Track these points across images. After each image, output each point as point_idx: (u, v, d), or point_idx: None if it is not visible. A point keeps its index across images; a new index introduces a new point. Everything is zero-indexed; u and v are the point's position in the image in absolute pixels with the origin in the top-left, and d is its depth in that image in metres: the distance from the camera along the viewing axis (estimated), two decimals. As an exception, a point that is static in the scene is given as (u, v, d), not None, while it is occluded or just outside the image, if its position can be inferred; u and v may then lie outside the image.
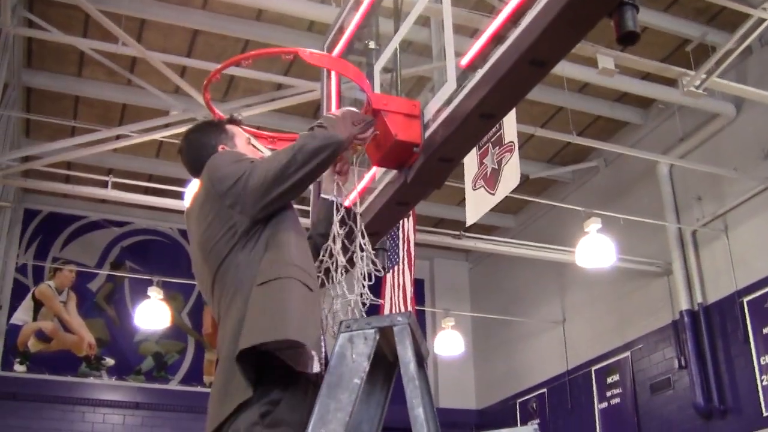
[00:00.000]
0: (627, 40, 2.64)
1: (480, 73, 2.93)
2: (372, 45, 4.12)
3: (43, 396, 11.59)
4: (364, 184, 3.80)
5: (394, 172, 3.47)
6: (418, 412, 2.69)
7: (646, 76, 9.42)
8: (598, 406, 11.05)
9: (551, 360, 12.21)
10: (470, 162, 7.34)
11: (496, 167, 6.99)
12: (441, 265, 14.41)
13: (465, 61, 3.13)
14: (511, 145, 6.89)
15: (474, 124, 3.01)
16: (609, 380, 10.95)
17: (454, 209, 12.49)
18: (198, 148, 3.36)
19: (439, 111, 3.23)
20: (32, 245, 12.38)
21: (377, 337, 2.81)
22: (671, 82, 9.12)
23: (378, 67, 3.85)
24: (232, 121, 3.48)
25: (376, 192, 3.61)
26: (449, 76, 3.20)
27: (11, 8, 8.26)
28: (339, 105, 4.40)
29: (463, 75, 3.13)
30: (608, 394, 10.94)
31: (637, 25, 2.63)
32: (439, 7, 3.40)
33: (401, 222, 9.20)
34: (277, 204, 3.02)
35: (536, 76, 2.82)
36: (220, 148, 3.31)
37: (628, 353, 10.74)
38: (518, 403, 12.70)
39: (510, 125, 6.92)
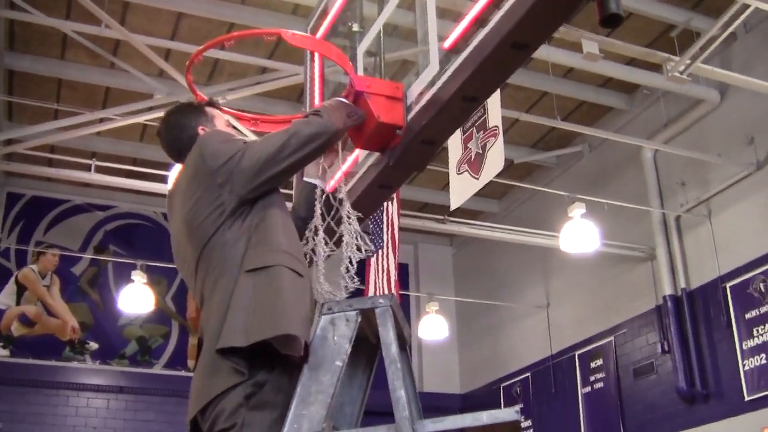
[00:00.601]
0: (610, 22, 2.63)
1: (462, 55, 2.92)
2: (356, 28, 4.10)
3: (27, 380, 11.55)
4: (346, 167, 3.80)
5: (376, 154, 3.46)
6: (399, 394, 2.70)
7: (631, 62, 9.42)
8: (582, 391, 11.10)
9: (535, 344, 12.24)
10: (454, 146, 7.34)
11: (481, 152, 6.98)
12: (425, 250, 14.41)
13: (448, 43, 3.12)
14: (496, 130, 6.88)
15: (457, 106, 3.00)
16: (592, 365, 11.00)
17: (439, 194, 12.49)
18: (178, 129, 3.35)
19: (422, 93, 3.22)
20: (15, 229, 12.32)
21: (359, 320, 2.81)
22: (656, 68, 9.12)
23: (361, 49, 3.84)
24: (211, 103, 3.47)
25: (358, 175, 3.60)
26: (432, 58, 3.19)
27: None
28: (323, 89, 4.39)
29: (446, 58, 3.12)
30: (592, 378, 10.98)
31: (621, 7, 2.62)
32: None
33: (385, 206, 9.20)
34: (267, 186, 3.01)
35: (518, 59, 2.81)
36: (199, 130, 3.30)
37: (611, 338, 10.78)
38: (502, 388, 12.74)
39: (494, 110, 6.92)
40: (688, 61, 8.15)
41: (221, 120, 3.40)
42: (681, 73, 8.19)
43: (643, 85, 10.14)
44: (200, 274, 3.01)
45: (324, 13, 4.49)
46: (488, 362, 13.27)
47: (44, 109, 10.43)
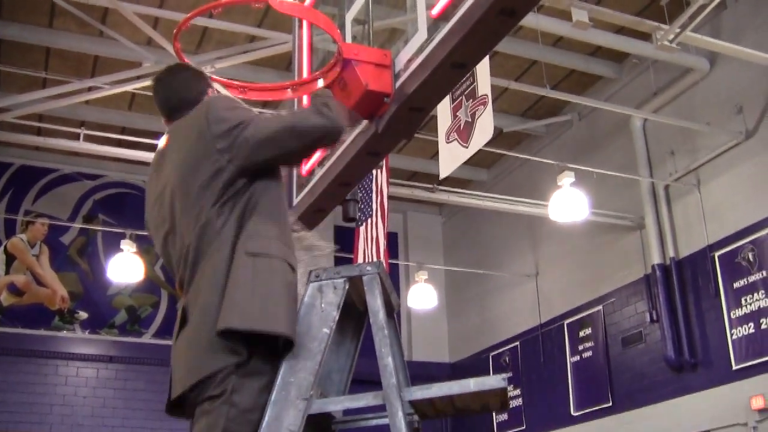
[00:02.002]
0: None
1: (451, 22, 2.91)
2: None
3: (16, 350, 11.56)
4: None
5: (364, 122, 3.46)
6: (387, 361, 2.71)
7: (621, 30, 9.38)
8: (570, 360, 11.16)
9: (524, 313, 12.29)
10: (444, 115, 7.32)
11: (470, 120, 6.97)
12: (414, 219, 14.42)
13: (436, 11, 3.11)
14: (485, 98, 6.86)
15: (445, 73, 3.00)
16: (581, 334, 11.06)
17: (428, 162, 12.49)
18: (184, 86, 3.25)
19: (410, 61, 3.21)
20: (3, 198, 12.27)
21: (347, 287, 2.82)
22: (645, 37, 9.10)
23: (350, 16, 3.82)
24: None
25: (347, 143, 3.59)
26: (420, 25, 3.18)
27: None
28: (311, 56, 4.36)
29: (435, 25, 3.11)
30: (580, 347, 11.05)
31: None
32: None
33: (374, 175, 9.19)
34: (268, 163, 2.95)
35: (506, 25, 2.80)
36: (209, 91, 3.26)
37: (600, 307, 10.84)
38: (491, 357, 12.81)
39: (484, 78, 6.89)
40: (678, 30, 8.14)
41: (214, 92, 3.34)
42: (670, 41, 8.18)
43: (632, 53, 10.12)
44: (187, 238, 2.93)
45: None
46: (477, 331, 13.32)
47: (32, 77, 10.37)
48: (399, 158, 12.26)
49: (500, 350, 12.67)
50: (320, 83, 3.43)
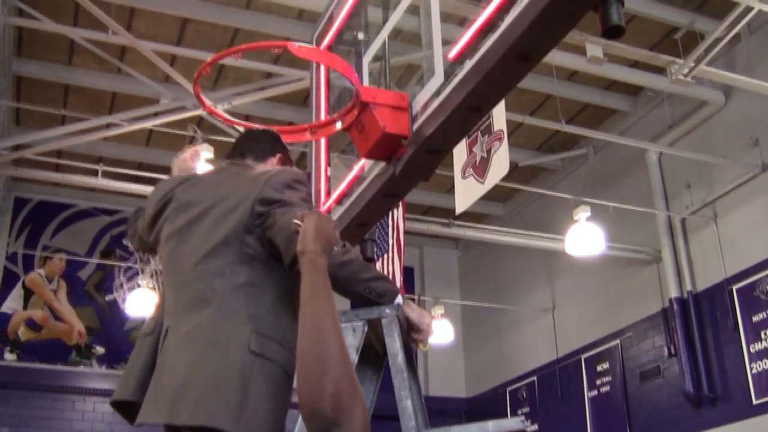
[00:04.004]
0: (612, 33, 2.64)
1: (467, 66, 2.94)
2: (361, 36, 4.12)
3: (34, 384, 11.59)
4: (353, 175, 3.82)
5: (382, 164, 3.48)
6: (406, 404, 2.71)
7: (635, 64, 9.43)
8: (588, 394, 11.10)
9: (541, 348, 12.24)
10: (459, 150, 7.34)
11: (486, 156, 6.98)
12: (430, 253, 14.43)
13: (452, 54, 3.14)
14: (501, 134, 6.88)
15: (461, 117, 3.02)
16: (599, 368, 11.00)
17: (444, 197, 12.50)
18: (259, 139, 3.28)
19: (427, 103, 3.24)
20: (22, 234, 12.37)
21: (365, 329, 2.83)
22: (660, 70, 9.12)
23: (367, 59, 3.86)
24: None
25: (364, 184, 3.61)
26: (437, 68, 3.21)
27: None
28: (328, 94, 4.41)
29: (451, 67, 3.14)
30: (598, 382, 10.98)
31: (622, 18, 2.63)
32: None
33: (390, 210, 9.21)
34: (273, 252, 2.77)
35: (522, 70, 2.82)
36: (278, 155, 3.25)
37: (617, 341, 10.78)
38: (508, 391, 12.74)
39: (499, 114, 6.91)
40: (692, 64, 8.15)
41: None
42: (685, 75, 8.19)
43: (647, 87, 10.14)
44: (192, 264, 2.81)
45: (330, 20, 4.51)
46: (494, 366, 13.27)
47: (51, 114, 10.47)
48: (415, 193, 12.19)
49: (517, 385, 12.61)
50: (338, 125, 3.47)
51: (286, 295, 2.75)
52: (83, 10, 8.39)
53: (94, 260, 12.53)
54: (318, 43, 4.56)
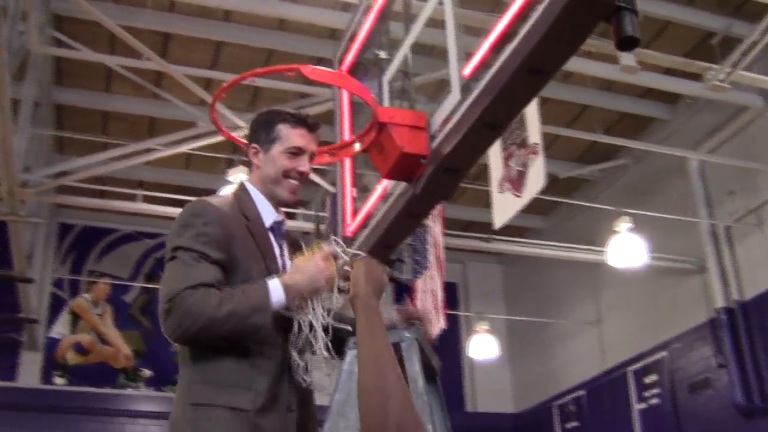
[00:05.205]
0: (626, 44, 2.59)
1: (481, 84, 2.91)
2: (382, 55, 4.10)
3: (83, 408, 11.70)
4: (377, 195, 3.80)
5: (403, 184, 3.46)
6: (426, 429, 2.67)
7: (671, 71, 9.30)
8: (637, 407, 10.93)
9: (587, 361, 12.12)
10: (495, 165, 7.32)
11: (522, 170, 6.95)
12: (474, 269, 14.36)
13: (467, 70, 3.11)
14: (536, 147, 6.84)
15: (478, 134, 2.98)
16: (646, 380, 10.83)
17: (485, 211, 12.40)
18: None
19: (445, 121, 3.21)
20: (68, 259, 12.52)
21: (385, 354, 2.79)
22: (697, 77, 9.00)
23: (387, 77, 3.84)
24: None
25: (387, 204, 3.59)
26: (453, 86, 3.18)
27: (39, 28, 8.35)
28: (352, 113, 4.40)
29: (467, 84, 3.10)
30: (646, 394, 10.82)
31: (637, 29, 2.58)
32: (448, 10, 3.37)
33: (429, 226, 9.17)
34: None
35: (537, 84, 2.78)
36: (251, 149, 3.31)
37: (665, 353, 10.61)
38: (556, 406, 12.61)
39: (533, 127, 6.87)
40: (729, 69, 8.02)
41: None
42: (722, 81, 8.07)
43: (684, 94, 10.01)
44: None
45: (352, 39, 4.51)
46: (540, 380, 13.16)
47: (92, 141, 10.58)
48: (456, 208, 12.24)
49: (564, 399, 12.47)
50: (357, 147, 3.45)
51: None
52: (118, 38, 8.48)
53: (138, 284, 12.63)
54: (340, 62, 4.56)
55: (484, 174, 8.29)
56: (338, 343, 2.92)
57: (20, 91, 8.64)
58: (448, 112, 3.17)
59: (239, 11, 8.90)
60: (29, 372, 11.89)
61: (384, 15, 4.18)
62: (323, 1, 8.37)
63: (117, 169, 10.11)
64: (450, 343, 13.12)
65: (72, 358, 12.11)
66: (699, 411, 9.99)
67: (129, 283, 12.60)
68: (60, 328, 12.24)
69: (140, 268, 12.84)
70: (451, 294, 13.36)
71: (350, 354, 2.81)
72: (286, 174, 3.18)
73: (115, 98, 10.31)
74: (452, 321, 13.01)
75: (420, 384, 2.72)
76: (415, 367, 2.75)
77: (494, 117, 2.92)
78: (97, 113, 10.59)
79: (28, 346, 11.90)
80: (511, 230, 11.51)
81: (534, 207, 11.67)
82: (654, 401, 10.68)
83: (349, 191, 4.17)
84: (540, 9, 2.60)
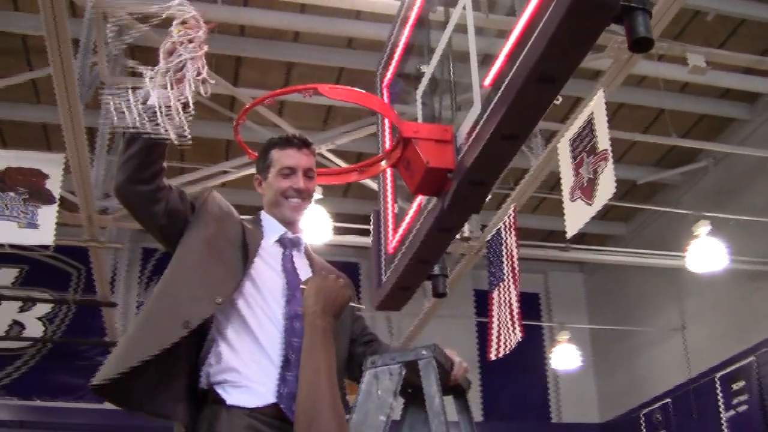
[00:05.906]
0: (639, 46, 2.52)
1: (498, 94, 2.86)
2: (424, 69, 4.06)
3: (169, 428, 11.85)
4: (413, 211, 3.76)
5: (434, 198, 3.42)
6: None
7: (750, 70, 9.06)
8: (725, 415, 10.63)
9: (673, 369, 11.86)
10: (566, 173, 7.26)
11: (592, 177, 6.86)
12: (555, 278, 14.19)
13: (488, 81, 3.06)
14: (606, 153, 6.74)
15: (497, 146, 2.92)
16: (734, 387, 10.52)
17: (564, 221, 12.27)
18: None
19: (469, 134, 3.17)
20: (151, 283, 12.74)
21: (403, 372, 2.77)
22: (774, 75, 8.78)
23: (419, 91, 3.81)
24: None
25: (420, 220, 3.56)
26: (475, 98, 3.14)
27: (113, 58, 8.57)
28: (392, 132, 4.37)
29: (489, 96, 3.06)
30: (734, 401, 10.50)
31: (650, 30, 2.52)
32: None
33: (503, 237, 9.10)
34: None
35: (550, 92, 2.71)
36: (256, 181, 3.73)
37: (752, 357, 10.28)
38: (642, 415, 12.36)
39: (602, 133, 6.78)
40: (808, 65, 7.80)
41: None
42: (800, 78, 7.84)
43: (763, 93, 9.74)
44: None
45: (392, 51, 4.50)
46: (626, 389, 12.91)
47: (169, 166, 10.74)
48: (532, 218, 12.12)
49: (651, 408, 12.19)
50: (383, 164, 3.43)
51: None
52: (191, 63, 8.62)
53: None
54: (381, 76, 4.54)
55: (560, 183, 8.23)
56: (356, 364, 3.00)
57: (96, 120, 8.87)
58: (471, 124, 3.13)
59: (309, 32, 9.00)
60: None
61: (422, 25, 4.15)
62: (391, 17, 8.39)
63: (195, 192, 10.27)
64: (533, 355, 12.97)
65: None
66: (790, 417, 9.69)
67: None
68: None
69: (222, 289, 12.98)
70: (533, 304, 13.24)
71: (367, 374, 2.79)
72: (284, 194, 3.48)
73: (191, 123, 10.45)
74: (535, 332, 12.89)
75: (437, 403, 2.68)
76: (432, 385, 2.71)
77: (510, 128, 2.86)
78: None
79: (115, 370, 12.13)
80: (591, 238, 11.38)
81: (614, 214, 11.54)
82: (742, 408, 10.37)
83: (391, 207, 4.14)
84: (545, 15, 2.54)
